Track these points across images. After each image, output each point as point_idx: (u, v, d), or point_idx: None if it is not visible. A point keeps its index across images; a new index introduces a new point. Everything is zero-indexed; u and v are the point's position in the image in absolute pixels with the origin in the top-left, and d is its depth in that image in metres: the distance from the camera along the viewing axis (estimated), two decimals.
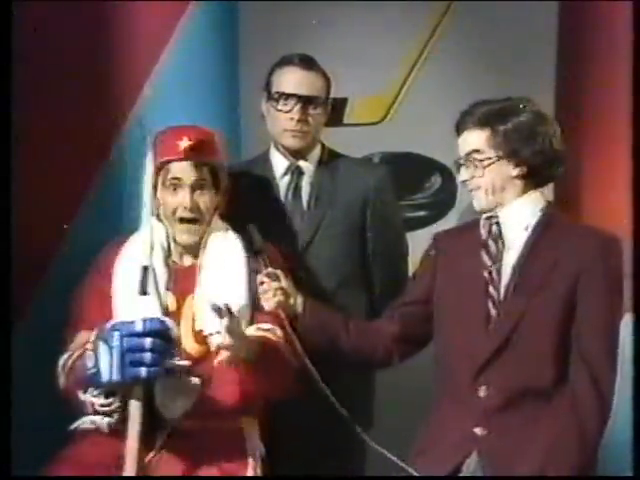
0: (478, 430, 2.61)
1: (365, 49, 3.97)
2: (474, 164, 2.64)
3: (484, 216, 2.69)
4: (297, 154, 3.13)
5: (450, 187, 4.05)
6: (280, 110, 3.07)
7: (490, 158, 2.62)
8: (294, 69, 3.09)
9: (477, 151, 2.64)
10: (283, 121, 3.08)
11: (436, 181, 4.11)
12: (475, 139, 2.64)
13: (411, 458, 2.65)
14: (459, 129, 2.69)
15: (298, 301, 2.75)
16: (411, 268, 3.25)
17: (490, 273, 2.64)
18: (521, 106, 2.65)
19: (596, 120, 3.85)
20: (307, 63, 3.10)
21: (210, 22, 3.83)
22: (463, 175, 2.67)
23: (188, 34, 3.79)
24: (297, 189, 3.14)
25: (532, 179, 2.66)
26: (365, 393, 3.17)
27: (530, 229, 2.63)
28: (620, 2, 3.51)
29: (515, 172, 2.65)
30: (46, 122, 3.58)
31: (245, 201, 3.02)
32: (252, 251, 2.74)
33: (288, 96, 3.06)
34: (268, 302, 2.70)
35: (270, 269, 2.73)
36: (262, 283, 2.71)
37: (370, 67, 3.98)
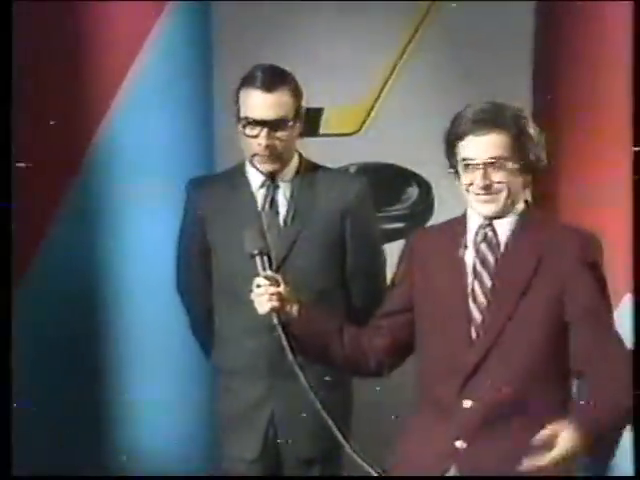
0: (459, 443, 2.55)
1: (342, 56, 4.00)
2: (498, 168, 2.55)
3: (478, 221, 2.60)
4: (271, 173, 3.10)
5: (427, 199, 4.07)
6: (248, 135, 3.02)
7: (513, 164, 2.55)
8: (257, 93, 3.00)
9: (500, 157, 2.55)
10: (252, 145, 3.03)
11: (413, 193, 4.12)
12: (502, 143, 2.54)
13: (389, 471, 2.61)
14: (472, 131, 2.56)
15: (294, 308, 2.69)
16: (388, 280, 3.06)
17: (478, 279, 2.58)
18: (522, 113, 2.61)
19: (578, 127, 3.90)
20: (271, 84, 3.00)
21: (183, 29, 3.85)
22: (481, 179, 2.55)
23: (160, 40, 3.81)
24: (273, 202, 3.10)
25: (529, 186, 2.63)
26: (343, 404, 3.13)
27: (509, 232, 2.59)
28: (602, 3, 3.62)
29: (528, 179, 2.61)
30: (26, 127, 3.57)
31: (222, 212, 3.04)
32: (250, 254, 2.70)
33: (253, 122, 3.00)
34: (262, 306, 2.66)
35: (269, 272, 2.69)
36: (259, 286, 2.67)
37: (346, 75, 4.01)
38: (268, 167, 3.05)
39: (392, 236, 3.87)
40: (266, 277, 2.67)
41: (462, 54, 4.01)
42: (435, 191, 4.09)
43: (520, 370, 2.53)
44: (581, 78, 3.88)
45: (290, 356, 2.59)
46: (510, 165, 2.54)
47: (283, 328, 2.64)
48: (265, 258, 2.70)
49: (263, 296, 2.66)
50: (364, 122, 4.09)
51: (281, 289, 2.67)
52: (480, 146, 2.55)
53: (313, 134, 3.92)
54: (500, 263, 2.56)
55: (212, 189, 3.14)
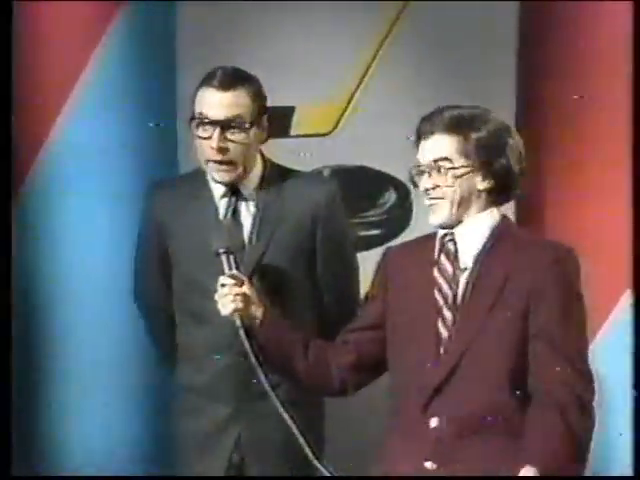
0: (429, 464, 2.51)
1: (314, 53, 3.94)
2: (442, 173, 2.54)
3: (440, 233, 2.60)
4: (230, 183, 3.00)
5: (405, 203, 4.00)
6: (200, 137, 2.93)
7: (464, 167, 2.53)
8: (212, 91, 2.91)
9: (447, 159, 2.53)
10: (205, 150, 2.93)
11: (390, 197, 4.07)
12: (445, 145, 2.53)
13: None
14: (423, 133, 2.58)
15: (258, 312, 2.67)
16: (363, 290, 3.17)
17: (442, 294, 2.56)
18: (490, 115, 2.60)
19: (564, 130, 3.87)
20: (228, 82, 2.92)
21: (144, 26, 3.78)
22: (425, 183, 2.56)
23: (119, 38, 3.74)
24: (236, 213, 3.01)
25: (495, 195, 2.57)
26: (315, 420, 3.04)
27: (480, 246, 2.56)
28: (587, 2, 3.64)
29: (483, 185, 2.56)
30: None
31: (182, 220, 3.00)
32: (215, 252, 2.70)
33: (205, 121, 2.91)
34: (225, 307, 2.64)
35: (236, 272, 2.68)
36: (223, 285, 2.65)
37: (319, 73, 3.94)
38: (224, 176, 2.95)
39: (368, 244, 3.86)
40: (231, 276, 2.66)
41: (441, 52, 3.99)
42: (414, 195, 3.94)
43: (487, 388, 2.52)
44: (575, 76, 3.86)
45: (253, 361, 2.59)
46: (456, 169, 2.53)
47: (246, 332, 2.63)
48: (231, 257, 2.69)
49: (227, 296, 2.65)
50: (338, 122, 4.05)
51: (246, 290, 2.66)
52: (425, 150, 2.57)
53: (283, 135, 3.86)
54: (468, 278, 2.55)
55: (172, 194, 3.06)
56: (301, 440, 2.52)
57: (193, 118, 2.94)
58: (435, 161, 2.54)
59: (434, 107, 2.62)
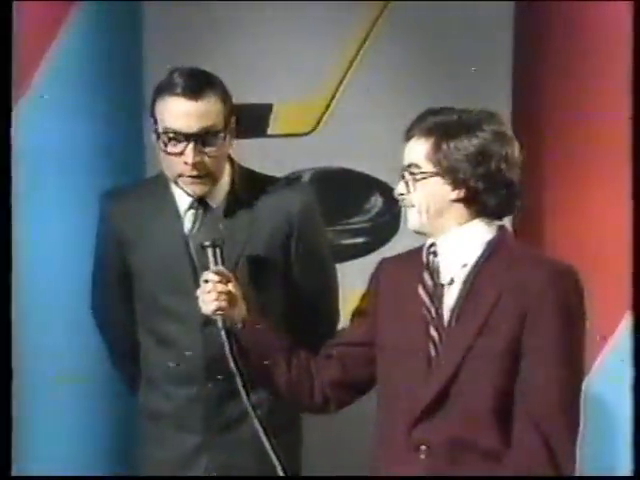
0: None
1: (292, 48, 3.89)
2: (411, 178, 2.55)
3: (427, 244, 2.59)
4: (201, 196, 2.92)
5: (393, 209, 3.89)
6: (171, 153, 2.78)
7: (424, 173, 2.52)
8: (178, 101, 2.76)
9: (414, 164, 2.53)
10: (176, 165, 2.79)
11: (377, 202, 4.04)
12: (417, 150, 2.54)
13: None
14: (407, 136, 2.58)
15: (242, 313, 2.64)
16: (344, 304, 3.12)
17: (429, 311, 2.54)
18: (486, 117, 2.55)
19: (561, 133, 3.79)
20: (195, 88, 2.77)
21: (110, 21, 3.68)
22: (398, 189, 2.59)
23: (80, 34, 3.64)
24: (203, 226, 2.90)
25: (475, 206, 2.53)
26: (292, 437, 3.01)
27: (470, 264, 2.53)
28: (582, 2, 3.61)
29: (453, 195, 2.53)
30: None
31: (144, 234, 2.89)
32: (201, 245, 2.66)
33: (176, 136, 2.76)
34: (207, 305, 2.59)
35: (221, 268, 2.62)
36: (207, 281, 2.61)
37: (298, 68, 3.89)
38: (197, 189, 2.84)
39: (352, 253, 3.85)
40: (217, 272, 2.61)
41: (426, 49, 3.98)
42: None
43: (477, 411, 2.49)
44: (572, 77, 3.78)
45: (233, 364, 2.55)
46: (421, 175, 2.53)
47: (227, 334, 2.58)
48: (218, 250, 2.64)
49: (210, 294, 2.60)
50: (319, 121, 4.01)
51: (232, 288, 2.62)
52: (405, 153, 2.59)
53: (260, 134, 3.81)
54: (459, 294, 2.53)
55: (132, 205, 2.94)
56: (278, 467, 2.48)
57: (158, 133, 2.79)
58: (408, 166, 2.56)
59: (421, 105, 2.62)
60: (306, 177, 3.88)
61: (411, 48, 3.96)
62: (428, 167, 2.51)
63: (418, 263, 2.59)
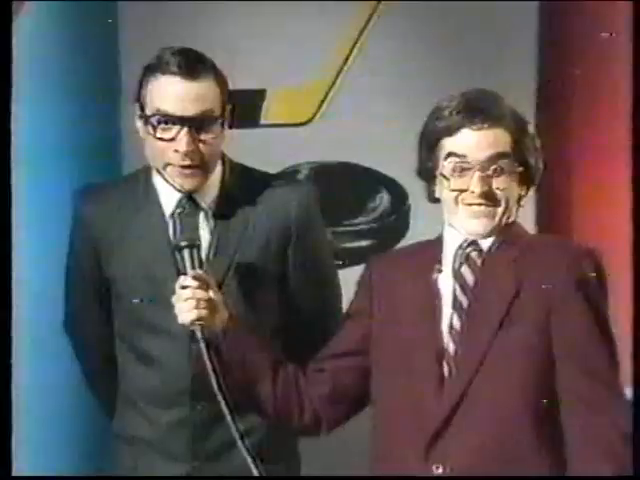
0: None
1: (288, 29, 3.82)
2: (499, 172, 2.43)
3: (461, 242, 2.48)
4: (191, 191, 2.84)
5: (401, 208, 3.87)
6: (160, 139, 2.64)
7: (522, 166, 2.45)
8: (173, 80, 2.63)
9: (505, 155, 2.43)
10: (166, 153, 2.65)
11: (383, 200, 3.95)
12: (503, 140, 2.44)
13: None
14: (461, 123, 2.43)
15: (223, 322, 2.54)
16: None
17: (456, 309, 2.44)
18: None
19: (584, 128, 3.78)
20: (192, 69, 2.65)
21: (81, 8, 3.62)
22: (477, 185, 2.43)
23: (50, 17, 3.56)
24: (191, 229, 2.78)
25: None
26: (288, 466, 2.86)
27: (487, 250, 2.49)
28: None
29: (522, 191, 2.48)
30: None
31: (123, 239, 2.74)
32: (177, 246, 2.56)
33: (169, 120, 2.62)
34: (184, 315, 2.48)
35: (200, 272, 2.51)
36: (184, 287, 2.50)
37: (295, 51, 3.82)
38: (186, 183, 2.70)
39: (356, 258, 3.60)
40: (195, 277, 2.49)
41: (429, 32, 3.92)
42: (412, 198, 3.89)
43: (499, 424, 2.39)
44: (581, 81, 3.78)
45: (214, 383, 2.44)
46: (512, 169, 2.45)
47: (207, 346, 2.48)
48: (195, 252, 2.52)
49: (189, 302, 2.48)
50: (318, 109, 3.92)
51: (212, 295, 2.51)
52: (477, 142, 2.46)
53: (252, 124, 3.72)
54: (470, 293, 2.47)
55: (109, 205, 2.81)
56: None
57: (146, 117, 2.66)
58: (492, 158, 2.43)
59: (426, 91, 2.80)
60: (303, 173, 3.86)
61: (413, 34, 3.90)
62: (516, 161, 2.46)
63: (428, 260, 2.50)
